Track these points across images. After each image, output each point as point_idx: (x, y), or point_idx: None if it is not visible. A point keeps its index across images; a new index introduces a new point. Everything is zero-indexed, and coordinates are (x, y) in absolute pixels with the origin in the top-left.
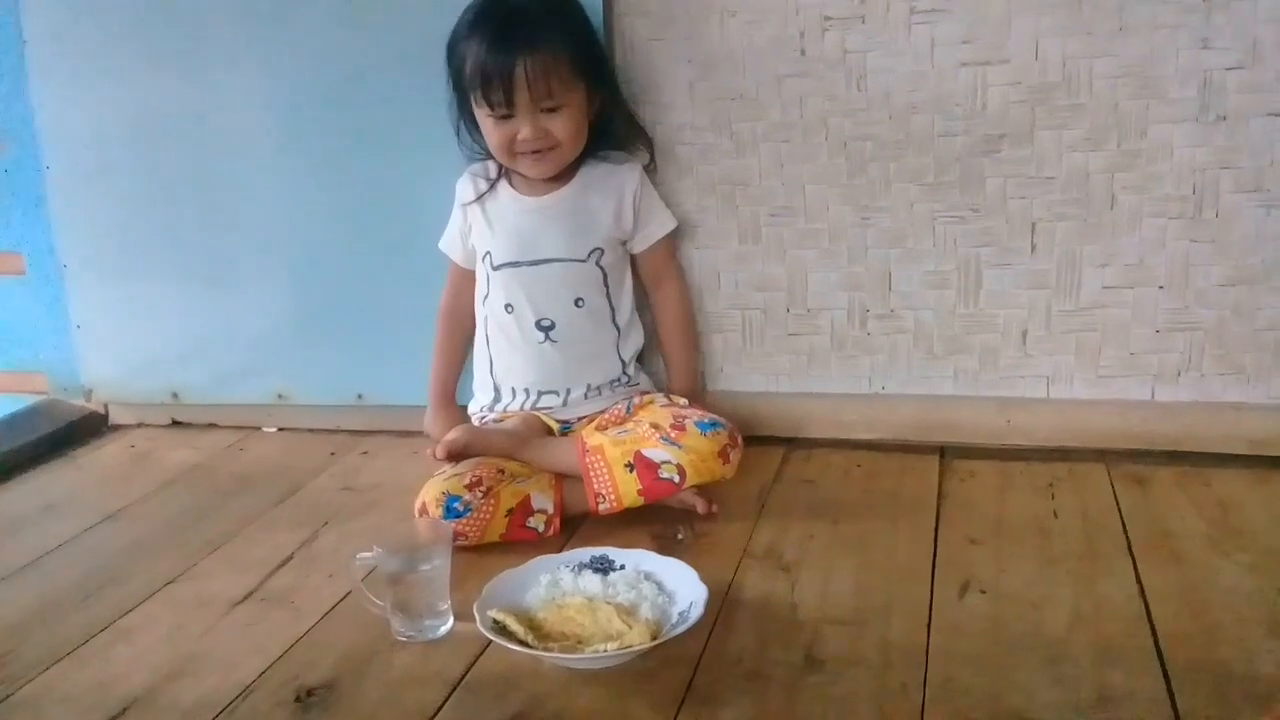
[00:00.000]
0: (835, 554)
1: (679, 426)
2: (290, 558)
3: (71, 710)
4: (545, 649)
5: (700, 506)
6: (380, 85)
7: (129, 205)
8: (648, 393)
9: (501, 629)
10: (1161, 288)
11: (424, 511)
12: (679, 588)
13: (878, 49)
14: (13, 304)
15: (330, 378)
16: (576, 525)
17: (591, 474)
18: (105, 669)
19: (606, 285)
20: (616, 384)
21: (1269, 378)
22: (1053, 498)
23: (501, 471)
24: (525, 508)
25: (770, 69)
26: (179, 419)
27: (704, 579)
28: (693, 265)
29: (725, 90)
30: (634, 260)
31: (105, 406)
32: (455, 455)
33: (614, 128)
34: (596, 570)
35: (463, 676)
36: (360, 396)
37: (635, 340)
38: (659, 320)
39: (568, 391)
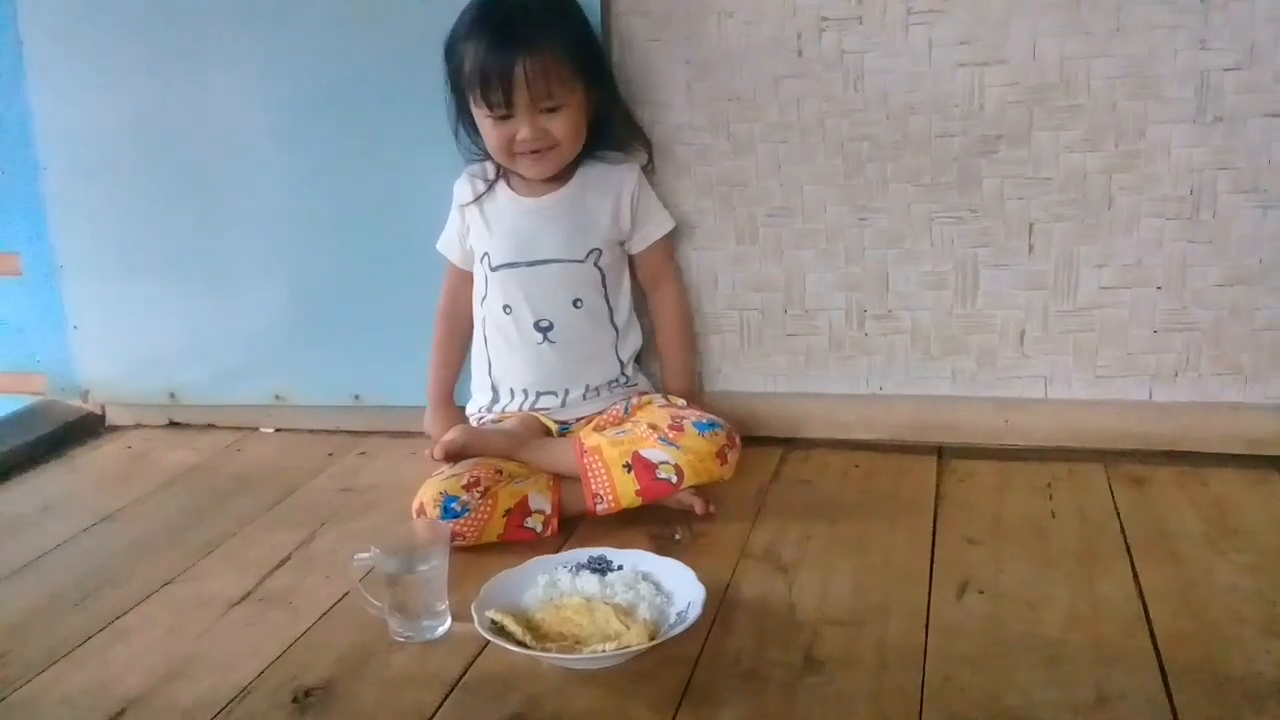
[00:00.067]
0: (833, 554)
1: (677, 427)
2: (288, 558)
3: (69, 711)
4: (543, 649)
5: (698, 507)
6: (377, 86)
7: (126, 205)
8: (646, 393)
9: (499, 629)
10: (1159, 288)
11: (421, 512)
12: (677, 588)
13: (875, 49)
14: (10, 304)
15: (328, 378)
16: (574, 526)
17: (589, 474)
18: (103, 670)
19: (605, 286)
20: (615, 385)
21: (1266, 378)
22: (1050, 498)
23: (499, 472)
24: (523, 508)
25: (768, 69)
26: (176, 420)
27: (702, 579)
28: (690, 266)
29: (723, 91)
30: (631, 261)
31: (102, 407)
32: (453, 456)
33: (612, 128)
34: (594, 571)
35: (460, 677)
36: (358, 397)
37: (633, 341)
38: (656, 321)
39: (566, 392)
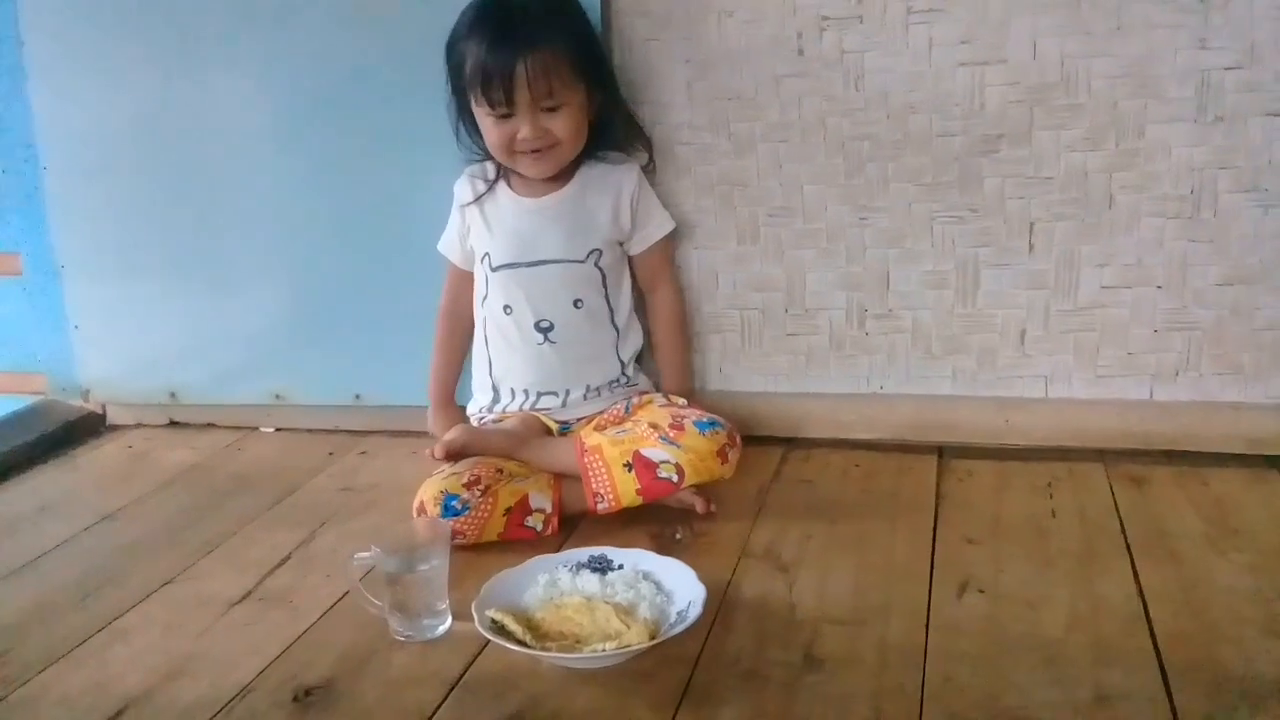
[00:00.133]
0: (833, 554)
1: (678, 426)
2: (288, 558)
3: (69, 711)
4: (543, 649)
5: (699, 506)
6: (377, 86)
7: (127, 205)
8: (646, 392)
9: (500, 629)
10: (1160, 287)
11: (422, 510)
12: (677, 587)
13: (875, 49)
14: (10, 304)
15: (328, 378)
16: (575, 525)
17: (590, 474)
18: (102, 669)
19: (605, 286)
20: (615, 385)
21: (1267, 377)
22: (1051, 497)
23: (500, 471)
24: (523, 507)
25: (768, 69)
26: (177, 419)
27: (702, 579)
28: (691, 265)
29: (723, 90)
30: (630, 262)
31: (103, 407)
32: (454, 455)
33: (613, 128)
34: (595, 570)
35: (461, 676)
36: (358, 397)
37: (634, 341)
38: (653, 323)
39: (567, 393)
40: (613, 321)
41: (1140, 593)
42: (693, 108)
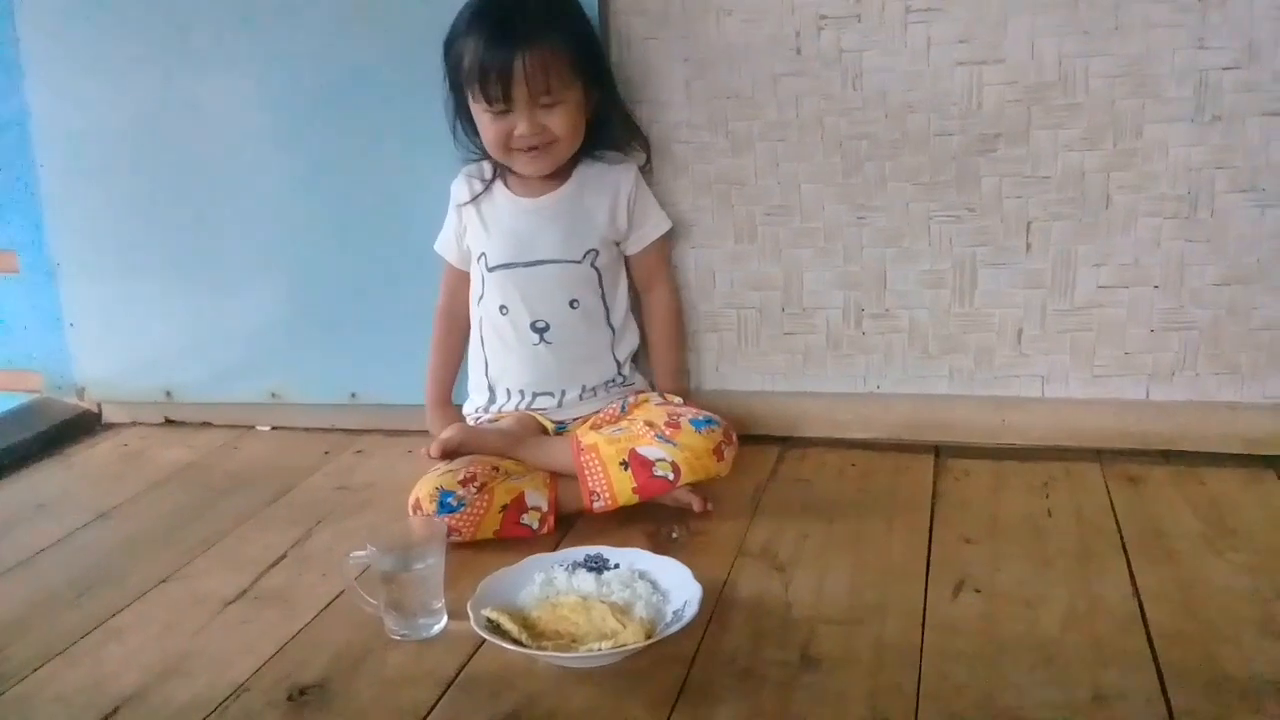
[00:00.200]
0: (830, 553)
1: (674, 424)
2: (284, 556)
3: (64, 709)
4: (539, 648)
5: (696, 505)
6: (375, 85)
7: (122, 203)
8: (642, 391)
9: (495, 628)
10: (1156, 287)
11: (418, 507)
12: (673, 586)
13: (874, 48)
14: (6, 302)
15: (324, 377)
16: (571, 524)
17: (586, 472)
18: (98, 668)
19: (601, 286)
20: (612, 384)
21: (1264, 377)
22: (1047, 497)
23: (496, 469)
24: (519, 504)
25: (766, 68)
26: (172, 418)
27: (698, 578)
28: (688, 264)
29: (721, 89)
30: (627, 262)
31: (98, 405)
32: (449, 453)
33: (611, 127)
34: (591, 569)
35: (456, 675)
36: (354, 395)
37: (630, 341)
38: (648, 323)
39: (563, 393)
40: (609, 321)
41: (1137, 593)
42: (691, 106)
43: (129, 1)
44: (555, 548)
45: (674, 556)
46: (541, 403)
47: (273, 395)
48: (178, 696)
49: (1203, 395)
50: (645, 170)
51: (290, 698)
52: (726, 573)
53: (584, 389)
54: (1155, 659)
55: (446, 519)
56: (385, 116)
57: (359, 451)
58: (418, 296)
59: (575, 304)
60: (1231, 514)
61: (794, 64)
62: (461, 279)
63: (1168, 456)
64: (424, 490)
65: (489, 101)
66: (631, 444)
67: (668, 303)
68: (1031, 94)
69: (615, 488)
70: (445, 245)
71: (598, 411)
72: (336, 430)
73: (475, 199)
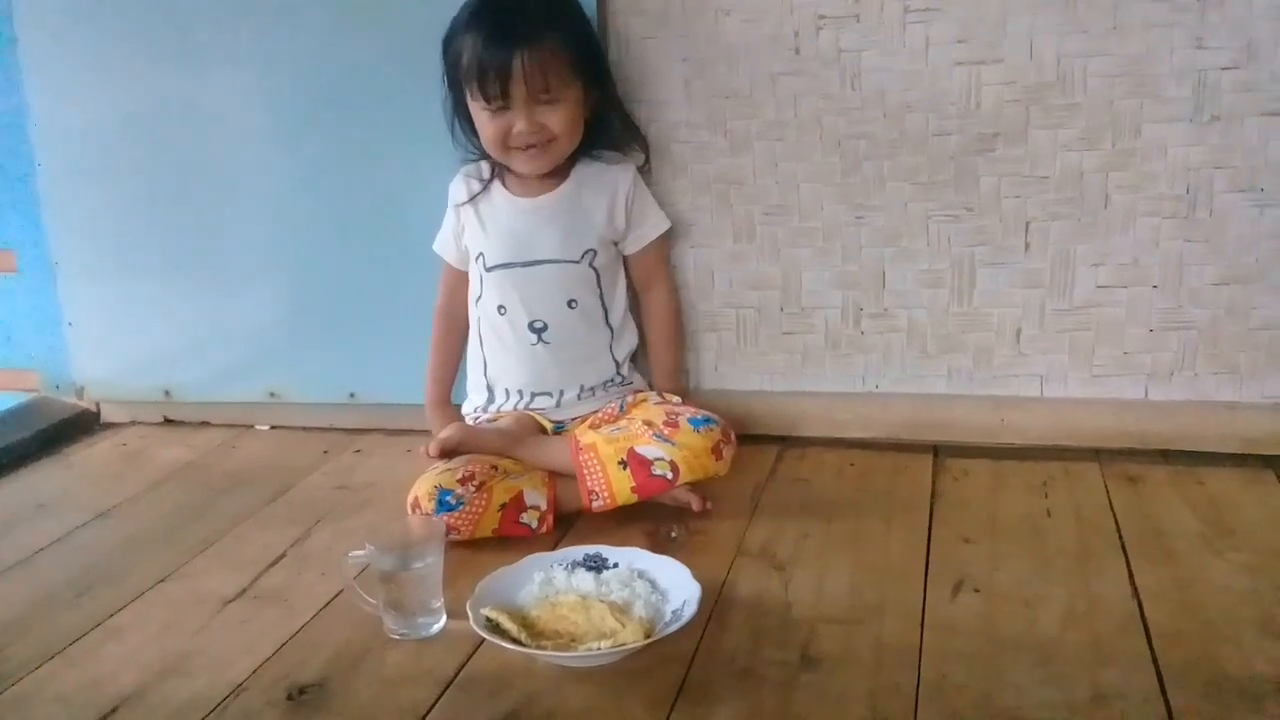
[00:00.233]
0: (829, 552)
1: (672, 423)
2: (283, 556)
3: (63, 709)
4: (538, 647)
5: (695, 504)
6: (374, 85)
7: (121, 203)
8: (641, 391)
9: (495, 627)
10: (1155, 287)
11: (416, 506)
12: (672, 586)
13: (872, 48)
14: (5, 301)
15: (323, 376)
16: (570, 523)
17: (585, 472)
18: (97, 667)
19: (600, 286)
20: (610, 384)
21: (1263, 377)
22: (1046, 496)
23: (495, 468)
24: (518, 503)
25: (765, 67)
26: (171, 417)
27: (698, 577)
28: (687, 264)
29: (720, 88)
30: (625, 261)
31: (97, 404)
32: (448, 453)
33: (609, 127)
34: (590, 568)
35: (455, 674)
36: (353, 395)
37: (629, 340)
38: (647, 322)
39: (561, 393)
40: (607, 322)
41: (1136, 592)
42: (689, 106)
43: (129, 1)
44: (554, 547)
45: (673, 556)
46: (540, 403)
47: (272, 395)
48: (177, 696)
49: (1201, 395)
50: (644, 170)
51: (289, 697)
52: (725, 572)
53: (582, 389)
54: (1154, 659)
55: (445, 517)
56: (385, 116)
57: (358, 451)
58: (416, 296)
59: (573, 304)
60: (1230, 514)
61: (793, 63)
62: (460, 279)
63: (1167, 456)
64: (422, 489)
65: (487, 99)
66: (630, 443)
67: (666, 302)
68: (1030, 94)
69: (614, 487)
70: (444, 245)
71: (596, 411)
72: (335, 430)
73: (473, 199)
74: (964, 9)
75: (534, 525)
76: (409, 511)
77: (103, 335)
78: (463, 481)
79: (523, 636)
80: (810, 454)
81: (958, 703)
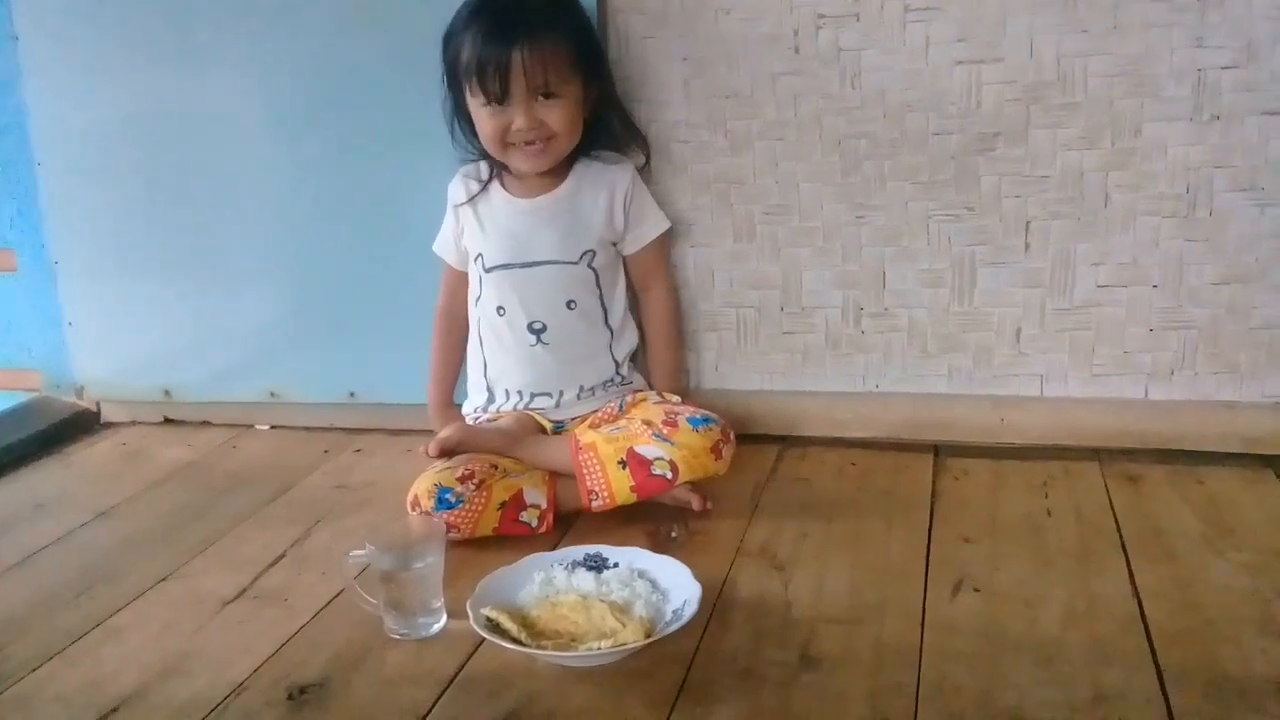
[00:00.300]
0: (829, 552)
1: (671, 423)
2: (283, 555)
3: (63, 709)
4: (539, 647)
5: (695, 504)
6: (374, 85)
7: (121, 202)
8: (640, 390)
9: (495, 627)
10: (1155, 286)
11: (416, 504)
12: (673, 585)
13: (872, 47)
14: (4, 301)
15: (323, 376)
16: (570, 523)
17: (584, 471)
18: (97, 667)
19: (599, 287)
20: (610, 385)
21: (1263, 376)
22: (1046, 496)
23: (494, 467)
24: (518, 502)
25: (765, 67)
26: (171, 417)
27: (698, 577)
28: (687, 264)
29: (720, 88)
30: (625, 261)
31: (97, 404)
32: (448, 452)
33: (609, 126)
34: (590, 568)
35: (456, 674)
36: (353, 394)
37: (629, 341)
38: (646, 322)
39: (560, 394)
40: (607, 322)
41: (1136, 592)
42: (689, 105)
43: (129, 1)
44: (554, 547)
45: (673, 555)
46: (540, 403)
47: (272, 394)
48: (177, 696)
49: (1202, 394)
50: (644, 170)
51: (289, 697)
52: (726, 572)
53: (582, 389)
54: (1155, 659)
55: (444, 515)
56: (385, 116)
57: (358, 450)
58: (417, 296)
59: (572, 305)
60: (1230, 513)
61: (792, 63)
62: (461, 279)
63: (1166, 456)
64: (422, 487)
65: (486, 95)
66: (629, 443)
67: (666, 302)
68: (1030, 93)
69: (613, 486)
70: (444, 246)
71: (596, 411)
72: (335, 429)
73: (472, 199)
74: (964, 8)
75: (534, 524)
76: (409, 510)
77: (103, 335)
78: (462, 480)
79: (523, 636)
80: (810, 454)
81: (958, 703)
